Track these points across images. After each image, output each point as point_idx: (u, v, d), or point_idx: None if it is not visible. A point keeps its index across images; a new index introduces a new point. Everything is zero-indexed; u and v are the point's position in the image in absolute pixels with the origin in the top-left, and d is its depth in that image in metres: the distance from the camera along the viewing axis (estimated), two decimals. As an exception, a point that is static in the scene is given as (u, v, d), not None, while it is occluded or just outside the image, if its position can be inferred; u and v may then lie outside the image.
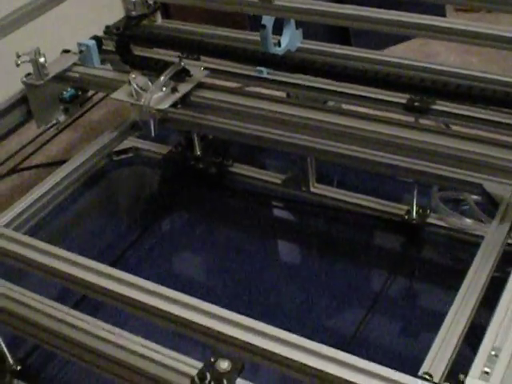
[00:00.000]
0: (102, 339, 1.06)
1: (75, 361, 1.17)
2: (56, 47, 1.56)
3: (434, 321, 1.09)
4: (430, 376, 0.85)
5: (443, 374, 0.85)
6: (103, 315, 1.13)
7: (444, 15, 2.30)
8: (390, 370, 0.80)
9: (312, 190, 1.64)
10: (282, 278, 1.51)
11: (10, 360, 1.30)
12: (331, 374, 0.82)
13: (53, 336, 1.12)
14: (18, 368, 1.30)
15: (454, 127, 1.39)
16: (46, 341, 1.14)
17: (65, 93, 1.55)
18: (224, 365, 0.91)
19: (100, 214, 1.72)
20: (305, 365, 0.83)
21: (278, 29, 1.47)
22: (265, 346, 0.86)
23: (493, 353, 0.76)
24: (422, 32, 1.37)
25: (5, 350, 1.28)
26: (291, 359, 0.84)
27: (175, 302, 0.96)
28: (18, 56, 1.45)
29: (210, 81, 1.44)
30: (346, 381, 0.81)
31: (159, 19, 1.68)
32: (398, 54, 2.00)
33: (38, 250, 1.11)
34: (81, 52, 1.52)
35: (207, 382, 0.91)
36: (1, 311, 1.17)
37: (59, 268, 1.07)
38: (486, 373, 0.73)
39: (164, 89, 1.36)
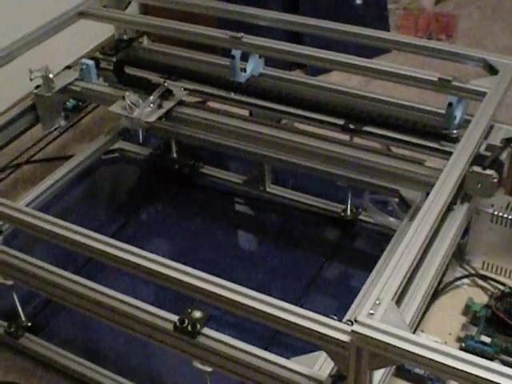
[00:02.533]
0: (105, 295, 1.24)
1: (77, 316, 1.39)
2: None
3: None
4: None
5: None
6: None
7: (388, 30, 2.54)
8: (316, 314, 1.04)
9: (268, 189, 1.81)
10: (240, 260, 1.68)
11: (23, 317, 1.48)
12: (276, 316, 1.05)
13: (61, 291, 1.28)
14: (29, 324, 1.49)
15: (380, 146, 1.61)
16: (54, 295, 1.31)
17: (68, 103, 1.75)
18: (197, 314, 1.16)
19: (92, 203, 1.87)
20: (260, 310, 1.06)
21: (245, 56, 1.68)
22: (229, 296, 1.08)
23: (377, 302, 1.01)
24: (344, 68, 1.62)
25: (19, 308, 1.47)
26: (250, 306, 1.07)
27: (160, 263, 1.16)
28: (31, 72, 1.64)
29: (188, 99, 1.64)
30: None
31: (145, 41, 1.89)
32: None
33: (52, 223, 1.25)
34: (81, 70, 1.71)
35: (185, 324, 1.15)
36: (19, 272, 1.34)
37: (68, 236, 1.22)
38: (372, 314, 0.99)
39: (152, 105, 1.57)
